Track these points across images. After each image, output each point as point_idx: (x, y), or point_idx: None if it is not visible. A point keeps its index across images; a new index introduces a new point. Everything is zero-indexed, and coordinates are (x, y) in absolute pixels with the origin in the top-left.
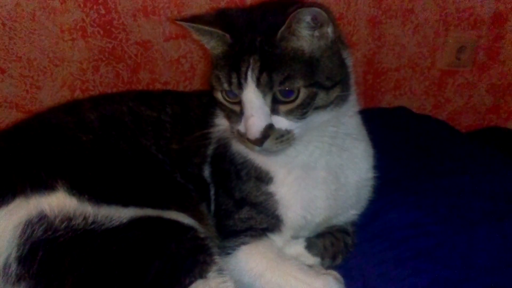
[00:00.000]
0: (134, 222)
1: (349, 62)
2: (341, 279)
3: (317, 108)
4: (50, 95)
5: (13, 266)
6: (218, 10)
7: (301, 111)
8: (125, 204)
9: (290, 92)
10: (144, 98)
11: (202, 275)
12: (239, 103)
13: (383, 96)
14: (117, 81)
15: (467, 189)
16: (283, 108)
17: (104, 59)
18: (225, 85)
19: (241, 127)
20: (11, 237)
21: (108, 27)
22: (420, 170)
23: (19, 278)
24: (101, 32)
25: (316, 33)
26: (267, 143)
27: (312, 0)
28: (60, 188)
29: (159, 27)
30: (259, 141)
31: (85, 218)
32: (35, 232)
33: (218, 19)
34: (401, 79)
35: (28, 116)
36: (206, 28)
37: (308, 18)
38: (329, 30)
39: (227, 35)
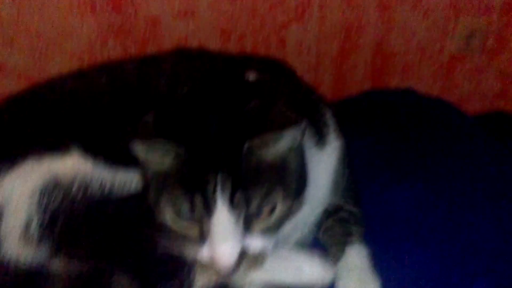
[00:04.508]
0: None
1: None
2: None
3: (292, 217)
4: (58, 67)
5: (35, 231)
6: (156, 113)
7: (278, 224)
8: None
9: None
10: (151, 65)
11: None
12: (197, 224)
13: (390, 79)
14: (124, 56)
15: (473, 171)
16: (257, 226)
17: (112, 33)
18: (185, 209)
19: (203, 254)
20: (29, 203)
21: (117, 1)
22: (425, 150)
23: (40, 240)
24: (110, 6)
25: (291, 142)
26: (239, 271)
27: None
28: (74, 151)
29: (168, 3)
30: (232, 270)
31: (101, 184)
32: (53, 200)
33: (161, 127)
34: (409, 63)
35: None
36: (158, 143)
37: (289, 135)
38: (299, 134)
39: (182, 148)
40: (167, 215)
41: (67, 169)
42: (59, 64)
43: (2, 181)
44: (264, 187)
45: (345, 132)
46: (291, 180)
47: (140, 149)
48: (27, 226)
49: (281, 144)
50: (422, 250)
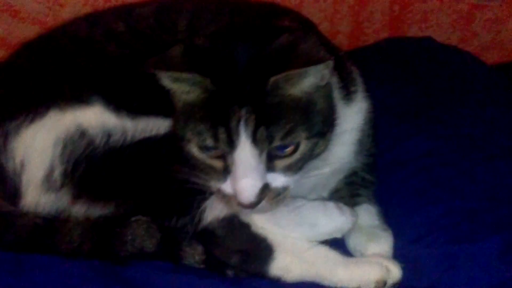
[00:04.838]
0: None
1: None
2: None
3: (315, 157)
4: (73, 13)
5: (57, 179)
6: (186, 45)
7: (301, 164)
8: (167, 114)
9: (289, 145)
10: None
11: None
12: (222, 157)
13: (408, 28)
14: (138, 1)
15: (490, 121)
16: (280, 163)
17: None
18: (209, 141)
19: (226, 187)
20: (52, 153)
21: None
22: (442, 100)
23: (61, 187)
24: None
25: (317, 80)
26: (262, 206)
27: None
28: (96, 101)
29: None
30: (253, 205)
31: (124, 134)
32: (75, 149)
33: (190, 59)
34: (428, 11)
35: None
36: (184, 75)
37: (314, 72)
38: (326, 71)
39: (208, 80)
40: (193, 147)
41: (90, 119)
42: (73, 10)
43: (25, 132)
44: (287, 125)
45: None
46: (317, 120)
47: (166, 79)
48: (49, 175)
49: (306, 80)
50: (435, 204)
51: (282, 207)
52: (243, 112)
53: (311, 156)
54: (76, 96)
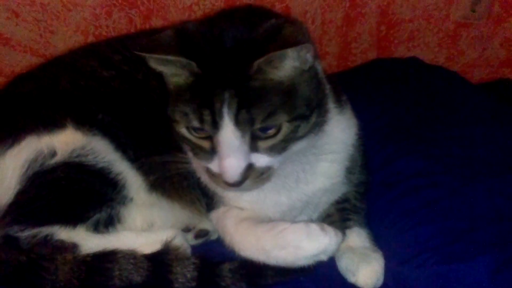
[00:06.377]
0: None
1: (322, 73)
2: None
3: (299, 139)
4: (63, 40)
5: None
6: (177, 29)
7: (283, 145)
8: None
9: (271, 127)
10: None
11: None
12: (209, 138)
13: (396, 47)
14: (130, 27)
15: (478, 140)
16: (263, 144)
17: (117, 4)
18: (195, 123)
19: (213, 166)
20: (18, 176)
21: None
22: (430, 119)
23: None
24: None
25: (297, 63)
26: (246, 184)
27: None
28: (69, 124)
29: None
30: (238, 184)
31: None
32: (37, 167)
33: (179, 42)
34: (414, 30)
35: (43, 60)
36: (170, 57)
37: (292, 55)
38: (308, 55)
39: (194, 64)
40: (182, 128)
41: (63, 142)
42: (64, 37)
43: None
44: (268, 108)
45: (351, 102)
46: (299, 103)
47: (153, 62)
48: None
49: (286, 63)
50: (425, 225)
51: (267, 232)
52: (226, 95)
53: (293, 138)
54: (51, 120)
